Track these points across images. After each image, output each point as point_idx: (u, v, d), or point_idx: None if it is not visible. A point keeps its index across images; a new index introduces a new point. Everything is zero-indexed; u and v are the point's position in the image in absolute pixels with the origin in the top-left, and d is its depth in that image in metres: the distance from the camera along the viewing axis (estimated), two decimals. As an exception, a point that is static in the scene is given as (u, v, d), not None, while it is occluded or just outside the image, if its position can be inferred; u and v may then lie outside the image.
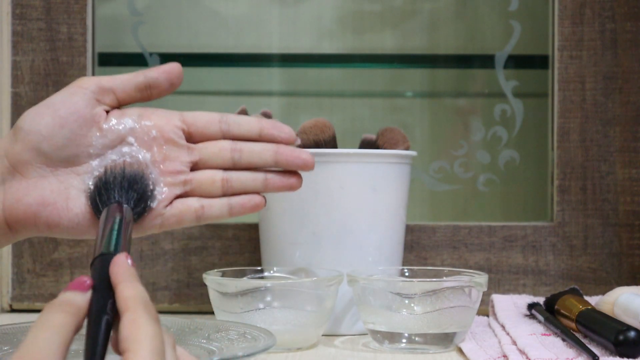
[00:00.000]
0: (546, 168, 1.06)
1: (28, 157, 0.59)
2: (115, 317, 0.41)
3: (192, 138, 0.63)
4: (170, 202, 0.62)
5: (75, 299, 0.40)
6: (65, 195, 0.60)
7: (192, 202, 0.62)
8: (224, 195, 0.63)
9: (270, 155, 0.63)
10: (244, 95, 1.20)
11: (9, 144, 0.60)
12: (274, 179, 0.63)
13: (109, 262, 0.44)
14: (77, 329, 0.40)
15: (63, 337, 0.38)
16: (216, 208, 0.63)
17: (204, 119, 0.63)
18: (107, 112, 0.62)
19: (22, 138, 0.59)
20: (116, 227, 0.52)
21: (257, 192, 0.63)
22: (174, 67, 0.63)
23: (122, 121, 0.61)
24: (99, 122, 0.61)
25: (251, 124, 0.63)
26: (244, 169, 0.63)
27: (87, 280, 0.41)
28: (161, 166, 0.61)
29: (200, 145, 0.63)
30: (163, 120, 0.62)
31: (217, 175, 0.63)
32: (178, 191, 0.62)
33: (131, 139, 0.61)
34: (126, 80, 0.62)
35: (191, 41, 1.17)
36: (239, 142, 0.63)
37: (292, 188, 0.64)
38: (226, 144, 0.63)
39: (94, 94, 0.61)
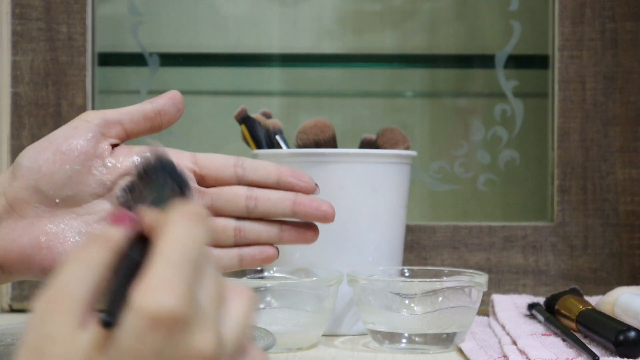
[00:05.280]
0: (546, 168, 1.06)
1: (26, 195, 0.56)
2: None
3: (204, 181, 0.60)
4: None
5: (112, 233, 0.37)
6: (62, 239, 0.57)
7: None
8: (235, 245, 0.60)
9: (287, 205, 0.59)
10: (244, 95, 1.20)
11: (7, 181, 0.57)
12: (289, 232, 0.60)
13: None
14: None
15: (96, 273, 0.35)
16: (226, 259, 0.60)
17: (218, 162, 0.60)
18: (114, 146, 0.59)
19: (20, 175, 0.56)
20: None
21: (270, 243, 0.60)
22: (175, 93, 0.60)
23: (129, 159, 0.58)
24: (104, 158, 0.58)
25: (268, 170, 0.60)
26: (258, 218, 0.60)
27: (128, 215, 0.38)
28: None
29: (212, 190, 0.60)
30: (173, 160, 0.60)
31: (230, 224, 0.60)
32: None
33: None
34: (134, 110, 0.59)
35: (191, 41, 1.17)
36: (254, 189, 0.60)
37: (307, 242, 0.61)
38: (241, 191, 0.60)
39: (99, 128, 0.58)
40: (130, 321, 0.33)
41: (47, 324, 0.34)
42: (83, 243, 0.36)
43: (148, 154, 0.41)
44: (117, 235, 0.36)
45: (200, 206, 0.37)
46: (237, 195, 0.60)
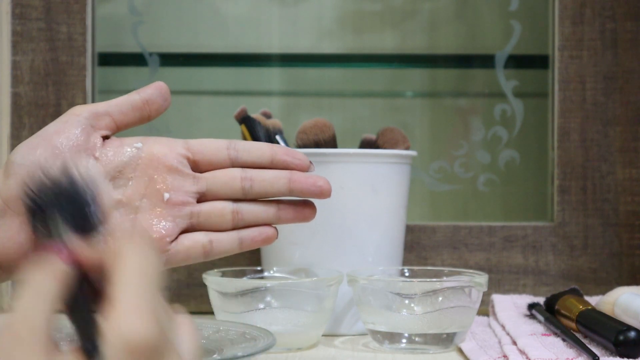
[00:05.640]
0: (546, 168, 1.06)
1: (20, 192, 0.56)
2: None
3: (198, 167, 0.60)
4: (176, 238, 0.58)
5: (56, 264, 0.36)
6: None
7: (200, 237, 0.59)
8: (234, 228, 0.60)
9: (283, 183, 0.59)
10: (244, 95, 1.20)
11: (1, 179, 0.57)
12: (287, 210, 0.60)
13: None
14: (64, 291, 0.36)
15: (49, 303, 0.35)
16: (226, 243, 0.59)
17: (210, 146, 0.60)
18: (106, 138, 0.59)
19: (14, 172, 0.56)
20: None
21: (268, 224, 0.60)
22: (161, 83, 0.60)
23: (121, 150, 0.58)
24: (95, 150, 0.58)
25: (262, 150, 0.60)
26: (255, 199, 0.60)
27: (63, 247, 0.37)
28: (165, 196, 0.58)
29: (207, 174, 0.60)
30: (166, 148, 0.59)
31: (227, 207, 0.59)
32: (184, 225, 0.58)
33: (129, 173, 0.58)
34: (122, 101, 0.59)
35: (191, 41, 1.17)
36: (249, 170, 0.59)
37: (305, 219, 0.60)
38: (236, 173, 0.59)
39: (89, 121, 0.58)
40: (108, 351, 0.33)
41: (14, 355, 0.33)
42: (31, 270, 0.36)
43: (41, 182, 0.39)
44: (61, 266, 0.36)
45: (146, 231, 0.37)
46: (232, 177, 0.59)
